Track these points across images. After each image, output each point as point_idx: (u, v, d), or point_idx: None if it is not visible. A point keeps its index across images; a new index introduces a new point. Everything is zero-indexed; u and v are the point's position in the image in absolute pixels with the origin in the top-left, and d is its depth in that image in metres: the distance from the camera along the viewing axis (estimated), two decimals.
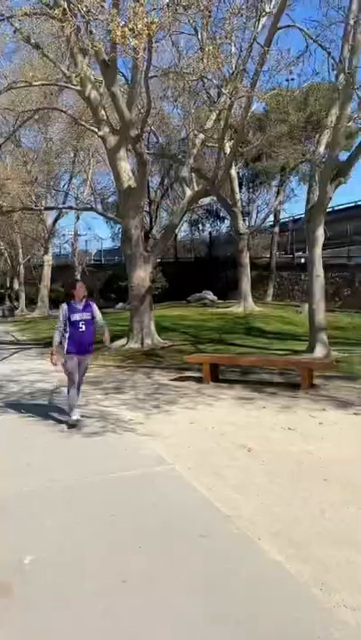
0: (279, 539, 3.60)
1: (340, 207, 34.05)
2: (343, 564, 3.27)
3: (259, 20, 11.49)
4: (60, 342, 6.48)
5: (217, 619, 2.75)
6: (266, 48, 9.95)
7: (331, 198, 11.38)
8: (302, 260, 28.82)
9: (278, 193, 23.62)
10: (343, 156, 13.25)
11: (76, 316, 6.42)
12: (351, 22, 10.70)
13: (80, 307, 6.51)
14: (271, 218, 23.86)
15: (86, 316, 6.48)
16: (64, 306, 6.50)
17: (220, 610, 2.81)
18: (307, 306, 18.56)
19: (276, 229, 24.22)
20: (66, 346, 6.43)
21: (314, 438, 5.89)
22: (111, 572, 3.20)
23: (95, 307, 6.68)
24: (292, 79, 13.22)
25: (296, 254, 29.58)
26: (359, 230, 31.11)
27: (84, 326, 6.44)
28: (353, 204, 36.73)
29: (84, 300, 6.56)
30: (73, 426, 6.35)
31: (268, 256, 24.19)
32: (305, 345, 11.91)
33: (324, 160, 12.16)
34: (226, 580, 3.10)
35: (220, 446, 5.62)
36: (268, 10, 12.54)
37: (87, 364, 6.87)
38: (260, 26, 12.05)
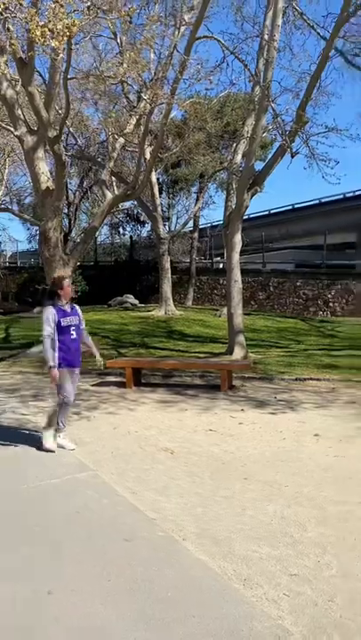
0: (203, 538, 3.67)
1: (255, 215, 35.34)
2: (264, 558, 3.40)
3: (178, 28, 11.66)
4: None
5: (144, 623, 2.76)
6: (186, 57, 10.12)
7: (248, 206, 11.76)
8: (220, 265, 29.53)
9: (198, 199, 24.04)
10: (258, 165, 13.75)
11: (66, 321, 5.55)
12: (266, 37, 11.14)
13: (68, 309, 5.65)
14: (191, 223, 24.24)
15: (75, 320, 5.66)
16: (51, 309, 5.53)
17: (148, 613, 2.83)
18: (225, 309, 19.05)
19: (196, 235, 24.64)
20: (56, 359, 5.46)
21: (234, 438, 6.06)
22: (36, 584, 3.12)
23: (79, 310, 5.85)
24: (212, 88, 13.53)
25: (215, 259, 30.27)
26: (272, 237, 32.43)
27: (74, 332, 5.60)
28: (266, 213, 38.20)
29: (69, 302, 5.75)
30: (49, 451, 5.57)
31: (188, 261, 24.54)
32: (224, 347, 12.19)
33: (241, 169, 12.55)
34: (152, 583, 3.12)
35: (143, 450, 5.64)
36: (187, 19, 12.78)
37: (78, 379, 5.99)
38: (180, 35, 12.24)
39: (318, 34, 16.72)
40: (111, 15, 7.03)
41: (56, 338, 5.46)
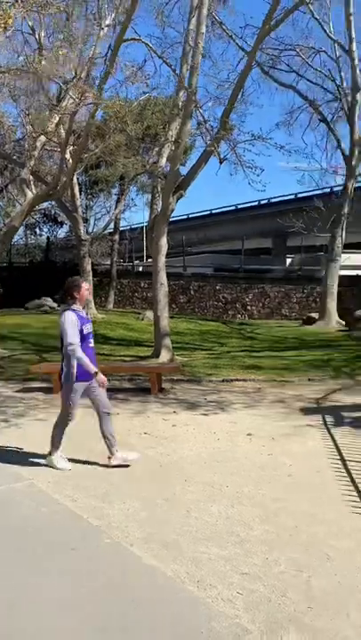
0: (151, 542, 3.64)
1: (174, 219, 35.71)
2: (214, 559, 3.42)
3: (102, 28, 11.56)
4: (63, 368, 5.03)
5: (101, 632, 2.69)
6: (111, 58, 10.04)
7: (173, 209, 11.85)
8: (140, 269, 29.52)
9: (118, 201, 23.90)
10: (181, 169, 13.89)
11: (86, 328, 5.01)
12: (191, 43, 11.30)
13: (84, 315, 5.13)
14: (112, 225, 24.06)
15: (91, 327, 5.17)
16: (71, 313, 4.92)
17: (102, 624, 2.76)
18: (148, 312, 19.04)
19: (117, 237, 24.46)
20: (75, 372, 4.94)
21: (169, 441, 6.07)
22: None
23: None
24: (146, 92, 13.49)
25: (135, 262, 30.21)
26: (191, 242, 32.94)
27: (92, 341, 5.17)
28: (185, 217, 38.75)
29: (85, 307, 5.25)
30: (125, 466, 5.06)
31: (109, 263, 24.31)
32: (150, 350, 12.19)
33: (165, 172, 12.63)
34: (104, 593, 3.05)
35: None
36: (108, 22, 12.70)
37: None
38: (102, 35, 12.14)
39: (237, 44, 17.23)
40: (49, 10, 6.81)
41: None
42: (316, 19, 19.47)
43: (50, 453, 5.21)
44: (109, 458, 5.15)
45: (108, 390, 8.83)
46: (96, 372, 4.94)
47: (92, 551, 3.53)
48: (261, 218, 33.89)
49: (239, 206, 36.21)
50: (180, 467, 5.17)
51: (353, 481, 4.69)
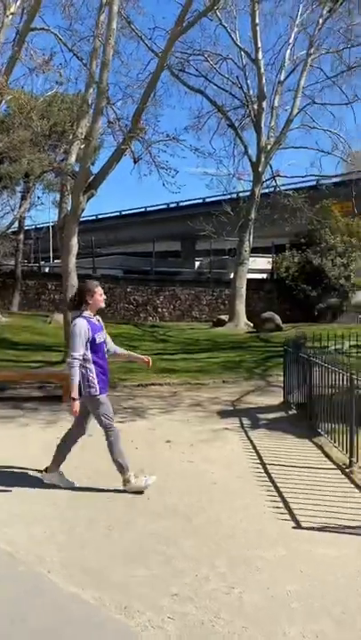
0: (71, 568, 3.35)
1: (84, 219, 34.96)
2: (141, 581, 3.20)
3: (7, 15, 10.95)
4: (80, 383, 4.56)
5: None
6: (17, 43, 9.50)
7: (84, 209, 11.47)
8: (47, 270, 28.56)
9: (23, 199, 22.90)
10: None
11: (100, 337, 4.58)
12: (101, 39, 11.00)
13: (96, 322, 4.66)
14: (16, 224, 22.98)
15: (104, 335, 4.69)
16: (82, 321, 4.50)
17: None
18: (55, 315, 18.37)
19: (21, 237, 23.42)
20: (96, 383, 4.52)
21: (86, 452, 5.74)
22: None
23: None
24: (61, 83, 12.93)
25: (41, 263, 29.16)
26: (101, 243, 32.42)
27: (105, 350, 4.71)
28: (93, 218, 38.07)
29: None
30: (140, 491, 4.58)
31: (13, 264, 23.21)
32: (60, 355, 11.69)
33: (75, 171, 12.20)
34: (21, 627, 2.72)
35: None
36: (13, 10, 12.09)
37: None
38: (8, 22, 11.51)
39: (147, 45, 17.11)
40: None
41: (90, 357, 4.48)
42: (223, 26, 19.84)
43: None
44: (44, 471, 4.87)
45: (15, 400, 8.30)
46: (73, 398, 4.49)
47: (6, 583, 3.18)
48: (171, 221, 34.08)
49: (149, 208, 36.20)
50: (98, 481, 4.88)
51: (275, 486, 4.65)
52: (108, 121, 11.58)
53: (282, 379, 9.79)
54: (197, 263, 38.71)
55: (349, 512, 4.08)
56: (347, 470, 5.03)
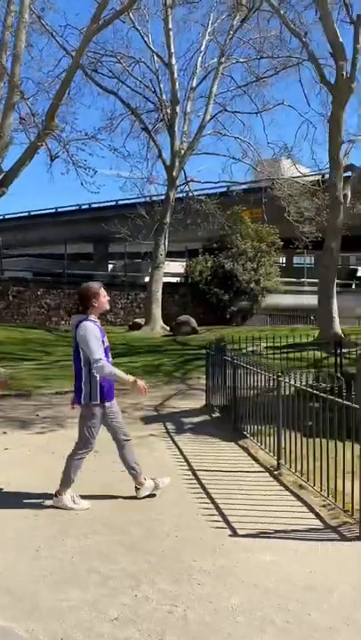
0: None
1: None
2: (77, 606, 2.98)
3: None
4: (81, 389, 4.31)
5: None
6: None
7: None
8: None
9: None
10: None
11: (105, 341, 4.34)
12: (12, 32, 10.51)
13: (100, 326, 4.41)
14: None
15: (107, 340, 4.44)
16: (92, 325, 4.24)
17: None
18: None
19: None
20: (98, 393, 4.30)
21: (3, 467, 5.38)
22: None
23: None
24: None
25: None
26: (9, 243, 31.12)
27: (110, 355, 4.45)
28: (1, 217, 36.55)
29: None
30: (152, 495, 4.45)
31: None
32: None
33: None
34: None
35: None
36: None
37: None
38: None
39: (58, 42, 16.65)
40: None
41: None
42: (136, 29, 19.78)
43: (58, 493, 4.33)
44: (137, 489, 4.49)
45: None
46: (133, 381, 4.29)
47: None
48: (83, 222, 33.46)
49: (60, 209, 35.31)
50: (24, 497, 4.57)
51: (207, 492, 4.58)
52: (20, 117, 11.09)
53: (202, 382, 9.83)
54: (111, 266, 38.32)
55: (282, 515, 4.08)
56: (275, 473, 5.08)
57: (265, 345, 11.30)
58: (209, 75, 21.01)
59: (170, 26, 19.45)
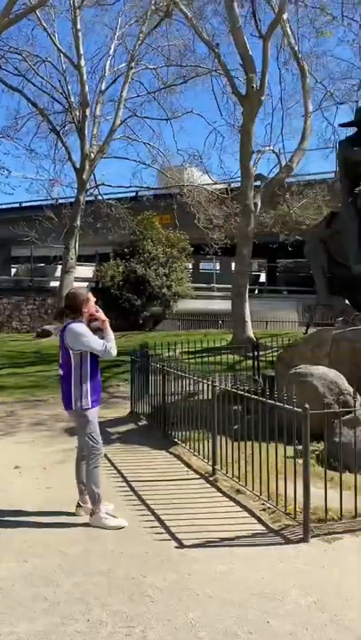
0: None
1: None
2: (25, 638, 2.76)
3: None
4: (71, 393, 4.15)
5: None
6: None
7: None
8: None
9: None
10: None
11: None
12: None
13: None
14: None
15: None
16: (80, 324, 4.17)
17: None
18: None
19: None
20: (89, 397, 4.15)
21: None
22: None
23: None
24: None
25: None
26: None
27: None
28: None
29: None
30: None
31: None
32: None
33: None
34: None
35: None
36: None
37: None
38: None
39: None
40: None
41: (88, 369, 4.15)
42: (43, 27, 19.20)
43: (92, 512, 4.13)
44: (80, 506, 4.34)
45: None
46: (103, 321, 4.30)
47: None
48: None
49: None
50: None
51: (146, 504, 4.48)
52: None
53: (123, 389, 9.70)
54: (14, 270, 36.83)
55: (224, 522, 4.08)
56: (211, 479, 5.07)
57: (180, 350, 11.35)
58: (119, 79, 20.88)
59: (78, 26, 19.07)
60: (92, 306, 4.33)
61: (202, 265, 35.77)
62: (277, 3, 12.41)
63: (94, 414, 4.26)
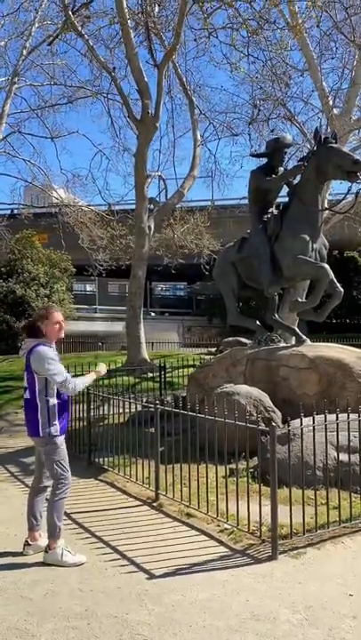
0: None
1: None
2: None
3: None
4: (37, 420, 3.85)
5: None
6: None
7: None
8: None
9: None
10: None
11: None
12: None
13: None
14: None
15: None
16: (47, 349, 3.86)
17: None
18: None
19: None
20: (57, 423, 3.87)
21: None
22: None
23: None
24: None
25: None
26: None
27: None
28: None
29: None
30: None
31: None
32: None
33: None
34: None
35: None
36: None
37: None
38: None
39: None
40: None
41: (55, 396, 3.88)
42: None
43: (49, 547, 3.76)
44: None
45: None
46: (99, 369, 4.21)
47: None
48: None
49: None
50: None
51: (98, 537, 4.22)
52: None
53: (22, 416, 9.13)
54: None
55: (186, 548, 3.98)
56: (155, 504, 4.93)
57: (73, 373, 11.01)
58: None
59: None
60: (53, 329, 3.99)
61: (83, 286, 35.18)
62: (172, 36, 12.81)
63: (62, 440, 3.97)
